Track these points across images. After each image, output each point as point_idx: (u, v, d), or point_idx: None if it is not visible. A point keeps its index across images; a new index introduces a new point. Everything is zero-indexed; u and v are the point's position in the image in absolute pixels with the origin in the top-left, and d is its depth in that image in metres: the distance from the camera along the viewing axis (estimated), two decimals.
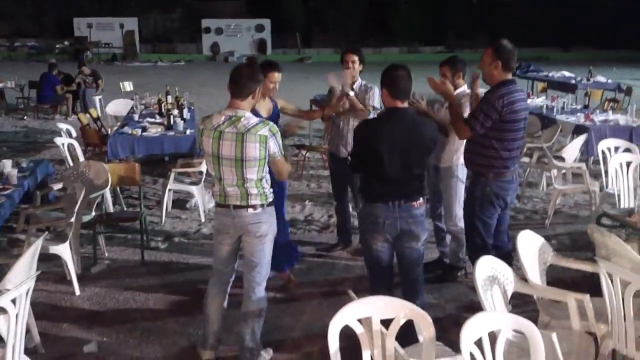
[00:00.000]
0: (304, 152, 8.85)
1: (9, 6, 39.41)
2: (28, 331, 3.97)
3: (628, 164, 5.48)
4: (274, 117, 4.62)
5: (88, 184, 5.47)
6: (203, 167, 6.63)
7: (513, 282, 3.48)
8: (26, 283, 3.08)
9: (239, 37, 35.81)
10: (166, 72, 27.12)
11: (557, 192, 6.43)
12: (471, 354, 2.46)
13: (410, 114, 3.77)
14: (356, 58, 5.33)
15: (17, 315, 2.99)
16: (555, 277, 4.44)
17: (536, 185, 7.93)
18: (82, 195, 4.89)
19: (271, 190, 3.72)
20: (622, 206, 5.23)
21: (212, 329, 3.91)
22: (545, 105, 9.31)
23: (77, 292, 4.95)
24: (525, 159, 7.65)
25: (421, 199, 3.83)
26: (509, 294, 3.47)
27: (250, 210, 3.61)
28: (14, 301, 2.98)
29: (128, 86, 14.87)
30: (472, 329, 2.50)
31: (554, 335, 2.96)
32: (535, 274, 3.70)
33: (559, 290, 3.53)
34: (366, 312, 2.71)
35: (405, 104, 3.74)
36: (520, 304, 4.13)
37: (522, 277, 3.55)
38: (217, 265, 3.90)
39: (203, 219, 6.74)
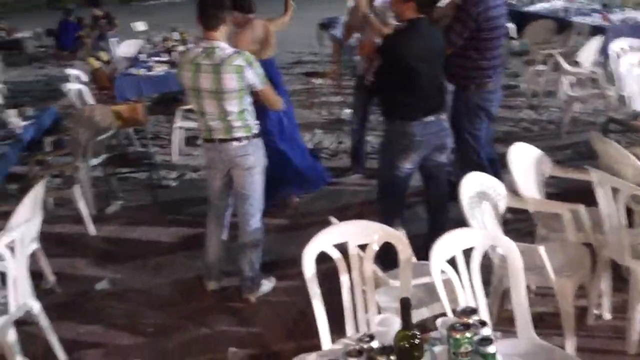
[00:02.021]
0: (314, 79, 8.73)
1: None
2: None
3: None
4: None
5: (94, 127, 5.55)
6: None
7: (505, 197, 3.44)
8: (20, 228, 3.17)
9: None
10: (182, 8, 26.68)
11: (571, 99, 6.23)
12: (444, 272, 2.47)
13: (428, 23, 3.67)
14: None
15: (15, 258, 3.10)
16: (565, 188, 4.38)
17: (555, 95, 7.70)
18: (81, 140, 4.96)
19: (257, 122, 3.69)
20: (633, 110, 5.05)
21: (213, 260, 4.01)
22: (562, 8, 8.88)
23: (92, 232, 5.10)
24: (541, 67, 7.43)
25: (445, 111, 3.86)
26: (502, 210, 3.44)
27: (235, 143, 3.60)
28: (10, 246, 3.09)
29: (141, 26, 14.75)
30: (443, 247, 2.50)
31: (541, 249, 2.95)
32: (531, 187, 3.65)
33: (552, 202, 3.48)
34: (342, 238, 2.73)
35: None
36: (522, 218, 4.10)
37: (514, 190, 3.50)
38: (212, 200, 3.96)
39: None
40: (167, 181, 6.18)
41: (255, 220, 3.81)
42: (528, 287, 3.08)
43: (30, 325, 3.48)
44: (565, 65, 6.25)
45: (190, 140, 7.30)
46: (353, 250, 2.74)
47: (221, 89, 3.45)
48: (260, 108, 3.81)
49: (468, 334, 1.87)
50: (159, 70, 7.52)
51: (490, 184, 3.39)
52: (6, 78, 13.11)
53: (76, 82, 7.64)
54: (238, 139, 3.60)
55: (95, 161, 5.58)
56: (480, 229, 3.16)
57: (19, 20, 19.37)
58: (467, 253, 2.53)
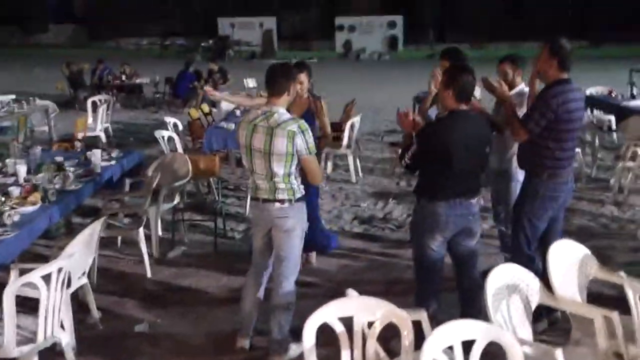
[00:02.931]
0: (398, 149, 8.78)
1: (163, 8, 42.61)
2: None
3: None
4: (308, 116, 4.66)
5: (170, 173, 5.88)
6: None
7: (537, 292, 3.30)
8: (58, 262, 3.40)
9: (371, 34, 35.99)
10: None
11: None
12: None
13: (470, 114, 3.83)
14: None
15: (49, 291, 3.31)
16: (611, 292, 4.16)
17: None
18: (152, 184, 5.26)
19: (301, 186, 3.81)
20: None
21: (247, 318, 4.07)
22: None
23: (149, 274, 5.33)
24: (630, 163, 7.10)
25: (479, 196, 3.93)
26: (533, 306, 3.29)
27: (278, 204, 3.74)
28: (47, 278, 3.31)
29: (251, 82, 15.56)
30: (440, 336, 2.43)
31: (559, 352, 2.79)
32: (571, 286, 3.48)
33: (586, 305, 3.30)
34: (348, 312, 2.72)
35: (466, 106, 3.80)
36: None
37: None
38: (254, 257, 4.08)
39: None
40: (233, 233, 6.38)
41: (288, 283, 3.87)
42: None
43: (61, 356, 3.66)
44: None
45: None
46: (358, 326, 2.72)
47: (271, 150, 3.63)
48: None
49: None
50: None
51: (523, 276, 3.28)
52: (119, 118, 14.19)
53: (172, 130, 8.17)
54: (281, 201, 3.74)
55: (166, 206, 5.89)
56: (502, 322, 3.06)
57: (145, 66, 21.00)
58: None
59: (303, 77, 4.81)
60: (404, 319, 2.66)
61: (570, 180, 4.27)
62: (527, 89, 4.64)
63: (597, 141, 8.69)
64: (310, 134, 3.72)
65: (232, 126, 7.85)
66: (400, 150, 3.98)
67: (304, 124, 3.69)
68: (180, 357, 4.11)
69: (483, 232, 5.94)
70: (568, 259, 3.53)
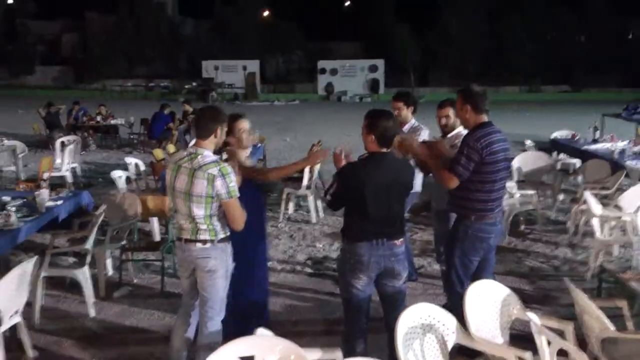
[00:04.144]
0: None
1: (149, 51, 43.09)
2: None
3: None
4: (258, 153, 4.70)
5: (119, 214, 5.88)
6: None
7: (454, 332, 3.31)
8: None
9: (352, 77, 36.56)
10: (279, 111, 28.21)
11: (599, 243, 5.93)
12: None
13: (391, 158, 3.89)
14: (401, 104, 5.52)
15: None
16: None
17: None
18: (96, 223, 5.26)
19: (226, 228, 3.81)
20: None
21: (174, 357, 4.03)
22: (619, 150, 8.66)
23: (92, 314, 5.28)
24: (584, 206, 7.16)
25: (402, 238, 3.92)
26: (449, 345, 3.30)
27: (199, 245, 3.75)
28: None
29: None
30: None
31: None
32: (492, 327, 3.50)
33: (500, 345, 3.31)
34: (249, 351, 2.72)
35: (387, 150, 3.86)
36: None
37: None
38: (183, 297, 4.06)
39: None
40: None
41: (213, 324, 3.85)
42: None
43: None
44: (594, 208, 6.01)
45: None
46: None
47: (191, 192, 3.65)
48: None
49: None
50: None
51: (439, 316, 3.30)
52: (93, 159, 14.23)
53: (133, 170, 8.21)
54: (202, 241, 3.74)
55: (114, 246, 5.88)
56: None
57: (119, 107, 21.13)
58: None
59: (243, 122, 4.45)
60: (302, 357, 2.66)
61: (500, 222, 4.34)
62: (464, 132, 4.70)
63: (558, 184, 8.79)
64: (233, 177, 3.69)
65: None
66: (326, 187, 4.03)
67: (225, 167, 3.68)
68: None
69: (432, 272, 6.04)
70: (490, 299, 3.56)
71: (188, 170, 3.67)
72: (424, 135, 5.40)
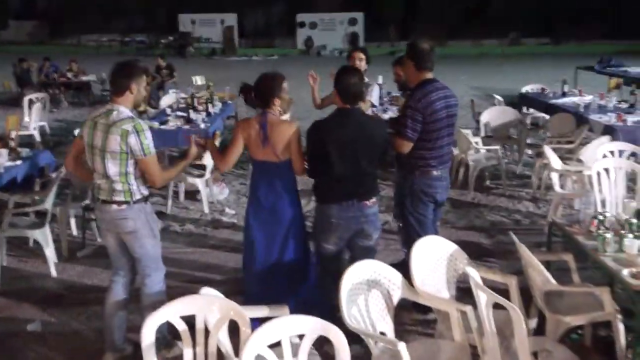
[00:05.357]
0: None
1: (124, 5, 42.09)
2: None
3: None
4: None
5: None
6: (207, 160, 6.82)
7: (400, 288, 3.37)
8: None
9: (332, 31, 36.11)
10: (256, 66, 27.81)
11: (558, 196, 6.02)
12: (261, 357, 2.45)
13: (358, 114, 3.85)
14: (363, 56, 5.73)
15: None
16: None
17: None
18: (54, 184, 5.23)
19: (144, 187, 3.76)
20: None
21: (108, 322, 4.00)
22: (584, 104, 8.70)
23: (54, 273, 5.31)
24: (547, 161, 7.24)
25: (374, 197, 3.91)
26: (395, 300, 3.36)
27: (114, 206, 3.68)
28: None
29: (199, 80, 15.45)
30: (267, 332, 2.48)
31: (402, 345, 2.85)
32: (439, 282, 3.57)
33: (443, 299, 3.39)
34: (190, 310, 2.75)
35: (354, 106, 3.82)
36: None
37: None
38: (110, 256, 4.00)
39: (206, 210, 6.97)
40: None
41: (151, 281, 3.86)
42: None
43: None
44: (553, 162, 6.07)
45: (192, 194, 7.50)
46: (200, 324, 2.75)
47: (106, 148, 3.59)
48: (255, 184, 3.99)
49: None
50: (171, 125, 7.84)
51: (384, 272, 3.35)
52: (64, 116, 14.04)
53: None
54: (117, 203, 3.68)
55: (75, 205, 5.86)
56: (359, 316, 3.13)
57: (94, 63, 20.72)
58: None
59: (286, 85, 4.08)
60: (242, 316, 2.70)
61: (445, 178, 4.39)
62: None
63: (523, 138, 8.83)
64: (148, 134, 3.62)
65: (155, 124, 7.80)
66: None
67: (140, 124, 3.62)
68: (66, 354, 4.10)
69: (395, 228, 6.09)
70: (436, 254, 3.62)
71: (103, 126, 3.59)
72: (375, 91, 5.47)
